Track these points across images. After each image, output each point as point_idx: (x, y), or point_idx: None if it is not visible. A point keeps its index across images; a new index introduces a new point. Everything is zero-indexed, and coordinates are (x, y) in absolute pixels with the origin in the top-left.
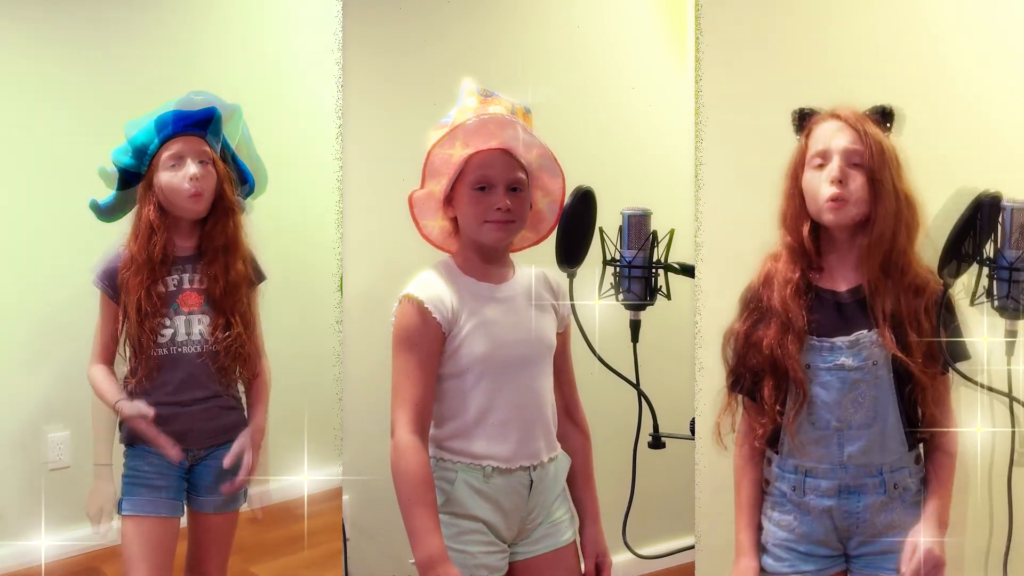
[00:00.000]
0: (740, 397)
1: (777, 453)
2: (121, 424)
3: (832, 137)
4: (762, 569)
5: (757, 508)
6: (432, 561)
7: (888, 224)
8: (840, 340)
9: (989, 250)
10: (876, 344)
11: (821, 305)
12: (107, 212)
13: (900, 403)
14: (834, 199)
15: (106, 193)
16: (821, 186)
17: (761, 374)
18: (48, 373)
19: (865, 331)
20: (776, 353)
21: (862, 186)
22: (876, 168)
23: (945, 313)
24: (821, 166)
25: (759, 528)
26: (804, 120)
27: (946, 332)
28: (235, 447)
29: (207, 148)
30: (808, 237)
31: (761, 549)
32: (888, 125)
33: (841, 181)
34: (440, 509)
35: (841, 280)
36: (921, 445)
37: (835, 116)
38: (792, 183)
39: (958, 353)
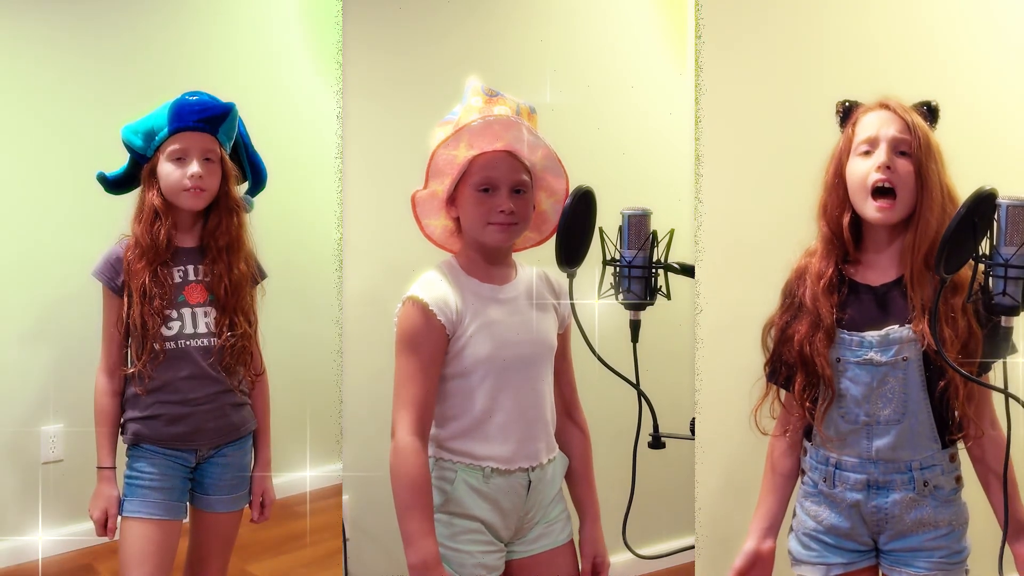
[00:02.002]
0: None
1: (811, 444)
2: (124, 425)
3: (881, 125)
4: (792, 556)
5: (771, 496)
6: (425, 565)
7: (935, 218)
8: (870, 335)
9: (985, 247)
10: (907, 340)
11: (854, 299)
12: (114, 185)
13: (932, 400)
14: (882, 187)
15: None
16: (868, 173)
17: (794, 368)
18: (41, 366)
19: (896, 326)
20: (806, 350)
21: (909, 175)
22: (923, 159)
23: (984, 311)
24: (867, 152)
25: (769, 514)
26: (849, 112)
27: (984, 329)
28: (256, 493)
29: (216, 146)
30: (847, 228)
31: (792, 536)
32: (932, 121)
33: (889, 167)
34: (439, 509)
35: (876, 273)
36: (957, 444)
37: (884, 106)
38: (835, 172)
39: (1001, 350)
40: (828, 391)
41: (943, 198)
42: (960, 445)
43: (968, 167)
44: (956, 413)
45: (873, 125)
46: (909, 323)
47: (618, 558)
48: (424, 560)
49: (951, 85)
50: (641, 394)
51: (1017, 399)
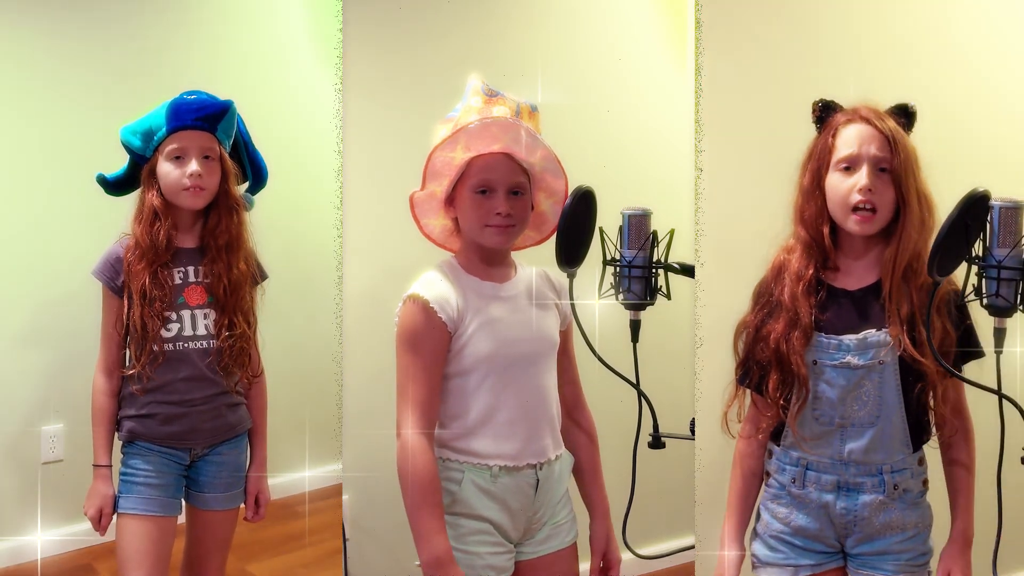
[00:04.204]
0: (747, 389)
1: (779, 446)
2: (120, 422)
3: (862, 143)
4: (757, 559)
5: (745, 500)
6: (438, 562)
7: (915, 230)
8: (848, 338)
9: (978, 248)
10: (884, 344)
11: (832, 303)
12: (115, 186)
13: (907, 404)
14: (863, 208)
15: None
16: (850, 194)
17: (768, 367)
18: (42, 366)
19: (874, 330)
20: (782, 348)
21: (889, 193)
22: (903, 175)
23: (956, 313)
24: (848, 169)
25: (745, 519)
26: (826, 113)
27: (957, 332)
28: (251, 492)
29: (215, 145)
30: (828, 237)
31: (757, 539)
32: (909, 125)
33: (871, 189)
34: (446, 510)
35: (853, 278)
36: (924, 449)
37: (864, 119)
38: (813, 181)
39: (970, 352)
40: (802, 390)
41: (921, 210)
42: (927, 446)
43: (964, 167)
44: (934, 412)
45: (854, 142)
46: (886, 327)
47: None
48: (437, 557)
49: (949, 87)
50: (641, 394)
51: (1011, 400)
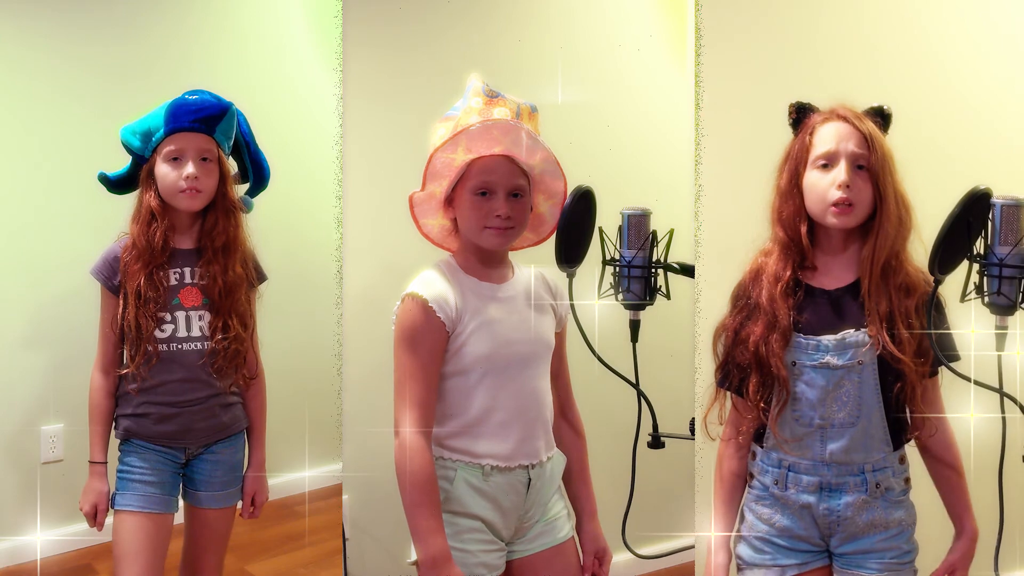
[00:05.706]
0: (728, 392)
1: (761, 447)
2: (116, 420)
3: (840, 140)
4: (742, 560)
5: (728, 503)
6: (436, 561)
7: (892, 227)
8: (827, 338)
9: (979, 246)
10: (863, 344)
11: (810, 303)
12: (116, 185)
13: (886, 403)
14: (841, 203)
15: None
16: (828, 190)
17: (748, 370)
18: (41, 365)
19: (852, 330)
20: (761, 350)
21: (867, 190)
22: (880, 173)
23: (935, 313)
24: (826, 167)
25: (730, 521)
26: (802, 115)
27: (935, 333)
28: (247, 492)
29: (213, 146)
30: (806, 236)
31: (742, 541)
32: (885, 126)
33: (849, 185)
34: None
35: (831, 278)
36: (905, 447)
37: (841, 117)
38: (791, 180)
39: (948, 355)
40: (782, 392)
41: (899, 207)
42: (908, 445)
43: (942, 170)
44: (912, 414)
45: (831, 139)
46: (864, 327)
47: (618, 558)
48: (434, 556)
49: (948, 84)
50: (641, 394)
51: (1012, 398)
